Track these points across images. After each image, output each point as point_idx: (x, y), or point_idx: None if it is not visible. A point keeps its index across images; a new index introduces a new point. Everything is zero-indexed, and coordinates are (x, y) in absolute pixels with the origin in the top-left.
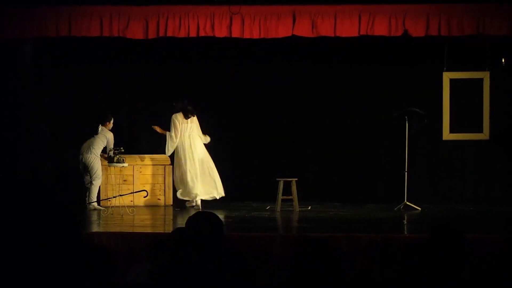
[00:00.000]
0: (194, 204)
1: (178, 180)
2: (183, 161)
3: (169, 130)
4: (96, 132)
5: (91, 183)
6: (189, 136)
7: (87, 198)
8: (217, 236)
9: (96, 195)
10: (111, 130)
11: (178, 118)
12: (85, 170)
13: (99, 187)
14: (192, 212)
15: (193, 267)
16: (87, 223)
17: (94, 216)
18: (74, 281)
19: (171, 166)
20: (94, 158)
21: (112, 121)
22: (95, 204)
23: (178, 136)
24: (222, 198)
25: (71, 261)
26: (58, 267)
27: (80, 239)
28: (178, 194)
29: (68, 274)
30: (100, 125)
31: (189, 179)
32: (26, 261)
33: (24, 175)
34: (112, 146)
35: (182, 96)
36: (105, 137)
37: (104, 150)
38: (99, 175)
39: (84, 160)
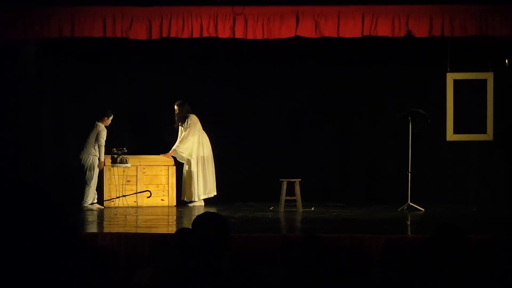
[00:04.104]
0: (197, 203)
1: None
2: (192, 160)
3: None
4: (91, 129)
5: (85, 183)
6: (199, 135)
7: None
8: (224, 237)
9: (91, 195)
10: (109, 127)
11: (195, 118)
12: (82, 169)
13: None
14: (196, 212)
15: (199, 268)
16: (91, 224)
17: (98, 217)
18: (76, 282)
19: (174, 167)
20: (88, 157)
21: (111, 117)
22: (90, 205)
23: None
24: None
25: (70, 262)
26: (57, 267)
27: (77, 239)
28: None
29: (68, 275)
30: (97, 121)
31: (194, 179)
32: (23, 262)
33: (25, 175)
34: (102, 142)
35: (184, 96)
36: (95, 133)
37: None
38: (92, 176)
39: (80, 158)
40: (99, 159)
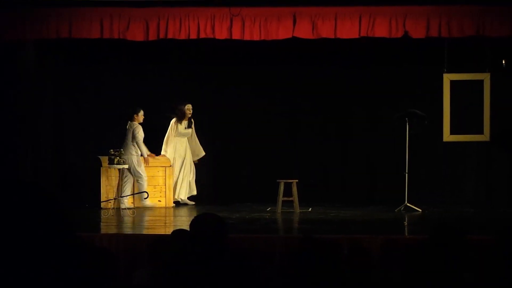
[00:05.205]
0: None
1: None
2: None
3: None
4: (126, 130)
5: (137, 181)
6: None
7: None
8: (222, 238)
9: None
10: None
11: None
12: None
13: (143, 186)
14: (193, 212)
15: (197, 269)
16: (88, 225)
17: (95, 218)
18: (75, 282)
19: (172, 168)
20: (129, 157)
21: (140, 113)
22: (146, 202)
23: None
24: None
25: (69, 262)
26: (56, 268)
27: (76, 239)
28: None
29: (67, 276)
30: (129, 121)
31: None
32: (22, 262)
33: (25, 175)
34: (139, 139)
35: (183, 97)
36: (131, 132)
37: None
38: (140, 173)
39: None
40: (142, 155)
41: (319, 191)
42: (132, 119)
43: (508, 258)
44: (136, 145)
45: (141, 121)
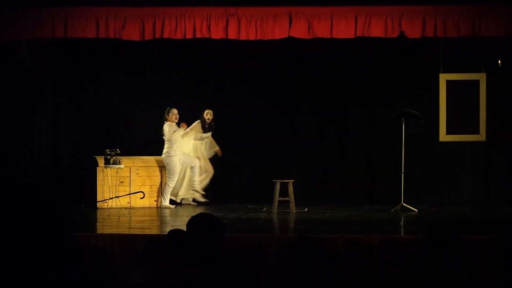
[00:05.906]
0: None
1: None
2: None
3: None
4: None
5: (166, 184)
6: None
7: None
8: (218, 238)
9: (167, 194)
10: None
11: None
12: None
13: (173, 187)
14: (189, 212)
15: (193, 268)
16: (84, 225)
17: (91, 218)
18: (72, 282)
19: None
20: (167, 157)
21: (171, 113)
22: (165, 203)
23: None
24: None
25: (64, 263)
26: (54, 268)
27: (72, 239)
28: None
29: (63, 276)
30: (165, 122)
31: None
32: (19, 262)
33: (22, 175)
34: (168, 137)
35: (181, 97)
36: (164, 131)
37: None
38: (172, 174)
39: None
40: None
41: (318, 191)
42: (166, 120)
43: (508, 258)
44: (170, 146)
45: (174, 120)
